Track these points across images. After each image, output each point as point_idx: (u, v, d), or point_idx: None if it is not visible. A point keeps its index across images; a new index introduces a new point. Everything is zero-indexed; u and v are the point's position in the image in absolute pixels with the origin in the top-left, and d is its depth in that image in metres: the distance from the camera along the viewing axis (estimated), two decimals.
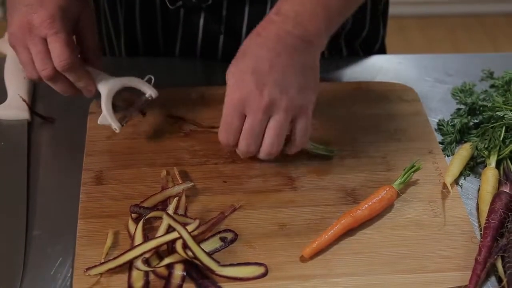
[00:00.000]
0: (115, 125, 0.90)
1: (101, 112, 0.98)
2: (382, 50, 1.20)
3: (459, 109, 1.00)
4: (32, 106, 1.00)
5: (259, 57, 0.83)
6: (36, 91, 1.04)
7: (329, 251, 0.82)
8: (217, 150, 0.94)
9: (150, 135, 0.96)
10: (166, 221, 0.82)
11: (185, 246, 0.79)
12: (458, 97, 1.02)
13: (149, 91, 0.92)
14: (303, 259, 0.81)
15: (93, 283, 0.77)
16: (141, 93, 0.94)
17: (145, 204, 0.85)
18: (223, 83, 1.02)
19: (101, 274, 0.78)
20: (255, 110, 0.82)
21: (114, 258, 0.79)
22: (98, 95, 0.93)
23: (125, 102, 0.94)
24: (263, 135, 0.84)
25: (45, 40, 0.86)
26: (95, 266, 0.78)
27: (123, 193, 0.88)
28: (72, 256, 0.81)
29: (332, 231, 0.82)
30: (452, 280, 0.78)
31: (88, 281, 0.78)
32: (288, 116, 0.83)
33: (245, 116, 0.83)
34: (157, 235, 0.81)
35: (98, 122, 0.91)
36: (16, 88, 1.01)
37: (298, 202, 0.87)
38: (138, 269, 0.78)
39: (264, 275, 0.79)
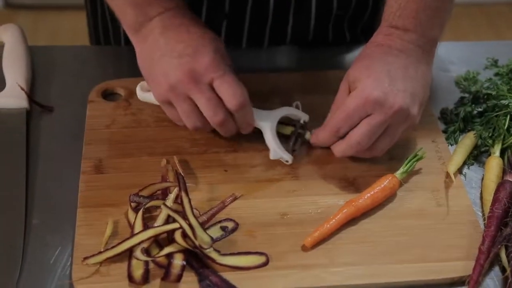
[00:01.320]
0: (287, 157, 0.87)
1: (101, 101, 0.98)
2: None
3: (462, 98, 0.99)
4: (30, 95, 0.99)
5: (390, 63, 0.83)
6: (34, 80, 1.03)
7: (330, 241, 0.81)
8: (218, 139, 0.93)
9: (150, 124, 0.95)
10: (164, 211, 0.81)
11: (184, 235, 0.78)
12: (461, 86, 1.01)
13: (303, 117, 0.91)
14: (304, 249, 0.80)
15: (93, 272, 0.77)
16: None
17: (144, 193, 0.84)
18: None
19: (100, 263, 0.77)
20: (387, 111, 0.80)
21: (113, 247, 0.78)
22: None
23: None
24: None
25: (212, 87, 0.83)
26: (94, 255, 0.78)
27: (122, 182, 0.87)
28: (72, 245, 0.80)
29: (334, 220, 0.81)
30: (455, 270, 0.78)
31: (87, 270, 0.77)
32: (406, 125, 0.84)
33: (369, 115, 0.81)
34: (155, 224, 0.80)
35: (270, 157, 0.87)
36: (15, 77, 1.00)
37: (300, 192, 0.87)
38: (137, 259, 0.77)
39: (265, 264, 0.78)
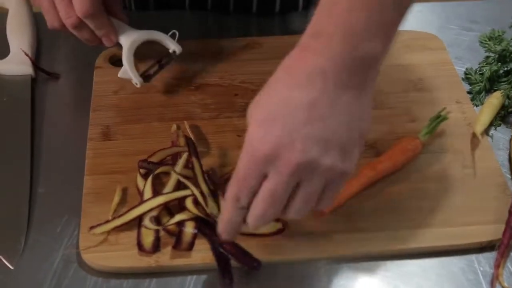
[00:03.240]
0: (136, 80, 0.85)
1: (108, 67, 0.94)
2: None
3: (487, 57, 0.94)
4: (36, 61, 0.96)
5: (292, 102, 0.61)
6: (40, 46, 0.99)
7: (350, 206, 0.77)
8: (230, 103, 0.89)
9: (159, 89, 0.91)
10: (174, 177, 0.77)
11: (196, 202, 0.74)
12: (486, 45, 0.96)
13: (173, 47, 0.87)
14: (322, 214, 0.75)
15: (100, 241, 0.73)
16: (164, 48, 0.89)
17: (153, 159, 0.80)
18: (237, 35, 0.99)
19: (108, 232, 0.74)
20: (282, 170, 0.61)
21: (121, 215, 0.75)
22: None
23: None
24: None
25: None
26: (101, 224, 0.74)
27: (131, 149, 0.83)
28: (79, 213, 0.77)
29: (353, 184, 0.77)
30: (484, 234, 0.73)
31: (95, 239, 0.73)
32: (323, 181, 0.63)
33: (266, 175, 0.63)
34: (165, 191, 0.76)
35: (119, 75, 0.86)
36: (19, 43, 0.96)
37: None
38: (146, 227, 0.73)
39: (281, 231, 0.74)
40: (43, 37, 1.00)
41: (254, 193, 0.64)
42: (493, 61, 0.92)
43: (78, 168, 0.81)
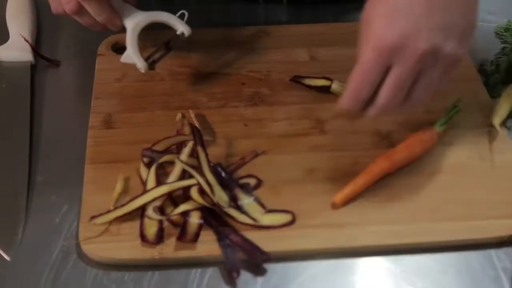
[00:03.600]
0: (140, 64, 0.79)
1: (111, 54, 0.91)
2: None
3: (504, 48, 0.91)
4: (36, 48, 0.92)
5: None
6: (40, 32, 0.96)
7: (364, 198, 0.73)
8: (237, 92, 0.85)
9: (164, 78, 0.88)
10: (179, 166, 0.74)
11: (201, 191, 0.71)
12: (502, 37, 0.93)
13: (182, 28, 0.80)
14: (335, 206, 0.72)
15: (101, 232, 0.70)
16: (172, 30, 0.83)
17: (157, 148, 0.77)
18: (243, 24, 0.95)
19: (109, 222, 0.70)
20: (409, 58, 0.64)
21: (123, 205, 0.71)
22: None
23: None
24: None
25: None
26: (102, 214, 0.71)
27: (134, 137, 0.80)
28: (79, 203, 0.73)
29: (367, 175, 0.74)
30: (504, 227, 0.70)
31: (95, 230, 0.70)
32: (441, 68, 0.67)
33: (389, 66, 0.66)
34: (169, 181, 0.73)
35: (121, 60, 0.81)
36: (19, 28, 0.93)
37: (328, 146, 0.79)
38: (150, 218, 0.70)
39: (291, 223, 0.71)
40: (43, 23, 0.97)
41: (373, 88, 0.67)
42: (510, 52, 0.89)
43: (79, 156, 0.78)
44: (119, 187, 0.73)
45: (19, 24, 0.94)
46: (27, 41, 0.91)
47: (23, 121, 0.83)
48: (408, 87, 0.67)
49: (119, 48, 0.91)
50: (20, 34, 0.92)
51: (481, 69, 0.89)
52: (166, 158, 0.75)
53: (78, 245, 0.70)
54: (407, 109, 0.69)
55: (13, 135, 0.82)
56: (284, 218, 0.71)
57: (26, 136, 0.81)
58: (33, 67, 0.91)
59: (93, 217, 0.70)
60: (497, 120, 0.79)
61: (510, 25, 0.93)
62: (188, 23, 0.83)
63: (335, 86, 0.83)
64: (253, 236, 0.69)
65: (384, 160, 0.74)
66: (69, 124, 0.84)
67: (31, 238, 0.71)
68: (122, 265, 0.68)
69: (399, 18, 0.64)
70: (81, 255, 0.69)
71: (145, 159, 0.76)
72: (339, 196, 0.72)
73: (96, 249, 0.69)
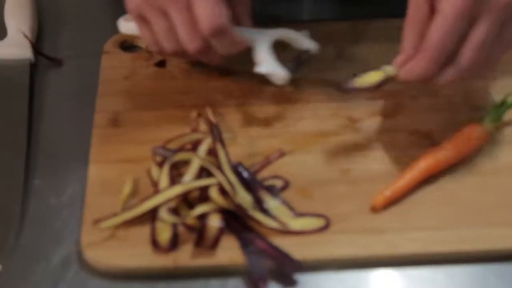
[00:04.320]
0: (281, 73, 0.71)
1: (118, 52, 0.83)
2: None
3: None
4: (36, 45, 0.84)
5: None
6: (41, 29, 0.88)
7: (405, 201, 0.64)
8: (258, 89, 0.77)
9: (176, 76, 0.80)
10: (196, 164, 0.65)
11: (222, 191, 0.62)
12: None
13: (310, 45, 0.76)
14: (373, 210, 0.63)
15: (107, 237, 0.61)
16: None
17: (170, 146, 0.68)
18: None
19: (116, 226, 0.61)
20: (494, 8, 0.60)
21: (132, 207, 0.62)
22: None
23: None
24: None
25: (189, 7, 0.67)
26: (109, 217, 0.62)
27: (143, 137, 0.71)
28: (80, 208, 0.65)
29: (409, 176, 0.65)
30: None
31: (100, 235, 0.61)
32: None
33: (473, 20, 0.61)
34: (184, 180, 0.64)
35: (259, 70, 0.71)
36: (18, 24, 0.85)
37: (363, 146, 0.70)
38: (163, 220, 0.61)
39: (325, 227, 0.62)
40: (45, 19, 0.89)
41: (454, 45, 0.61)
42: None
43: (81, 157, 0.70)
44: (127, 188, 0.65)
45: (18, 19, 0.86)
46: (26, 37, 0.84)
47: (20, 122, 0.75)
48: (490, 45, 0.61)
49: (127, 47, 0.84)
50: (20, 30, 0.84)
51: None
52: (181, 156, 0.66)
53: (79, 253, 0.61)
54: (478, 74, 0.65)
55: (10, 136, 0.74)
56: (316, 222, 0.62)
57: (24, 137, 0.73)
58: (34, 66, 0.83)
59: (97, 221, 0.61)
60: None
61: None
62: None
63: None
64: (281, 242, 0.60)
65: (427, 159, 0.66)
66: (72, 126, 0.76)
67: (27, 245, 0.63)
68: (131, 275, 0.59)
69: None
70: (83, 264, 0.60)
71: (158, 158, 0.67)
72: (379, 199, 0.63)
73: (101, 256, 0.60)
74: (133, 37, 0.83)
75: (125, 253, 0.60)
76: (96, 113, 0.75)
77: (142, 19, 0.71)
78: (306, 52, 0.76)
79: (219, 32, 0.67)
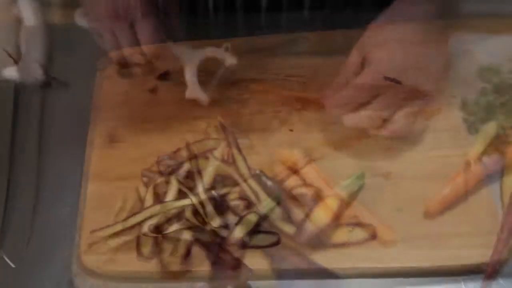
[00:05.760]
0: (203, 97, 0.74)
1: (113, 67, 0.75)
2: None
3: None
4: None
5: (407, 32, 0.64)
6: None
7: (464, 204, 0.54)
8: (273, 97, 0.68)
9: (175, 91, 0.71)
10: (175, 185, 0.61)
11: (195, 212, 0.58)
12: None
13: (229, 60, 0.77)
14: (428, 215, 0.53)
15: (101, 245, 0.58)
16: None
17: (183, 153, 0.63)
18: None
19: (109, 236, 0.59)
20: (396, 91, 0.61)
21: (122, 221, 0.60)
22: None
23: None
24: None
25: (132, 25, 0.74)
26: (102, 229, 0.59)
27: (140, 152, 0.65)
28: (75, 221, 0.62)
29: (466, 178, 0.55)
30: None
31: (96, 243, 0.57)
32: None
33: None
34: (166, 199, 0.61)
35: (187, 96, 0.74)
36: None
37: (403, 148, 0.61)
38: (144, 235, 0.59)
39: (372, 238, 0.51)
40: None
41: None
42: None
43: (76, 174, 0.64)
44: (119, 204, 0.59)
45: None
46: (10, 56, 0.75)
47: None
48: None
49: (123, 64, 0.75)
50: (4, 49, 0.76)
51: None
52: (161, 179, 0.62)
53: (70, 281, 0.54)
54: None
55: None
56: (362, 233, 0.52)
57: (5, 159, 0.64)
58: (24, 87, 0.75)
59: (93, 231, 0.59)
60: None
61: (492, 66, 0.76)
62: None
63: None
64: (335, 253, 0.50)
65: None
66: (64, 146, 0.69)
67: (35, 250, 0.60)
68: (121, 277, 0.57)
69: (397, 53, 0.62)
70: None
71: (145, 179, 0.63)
72: (433, 203, 0.53)
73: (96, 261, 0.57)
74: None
75: (116, 258, 0.57)
76: (91, 129, 0.68)
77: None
78: (223, 65, 0.77)
79: (157, 55, 0.74)
